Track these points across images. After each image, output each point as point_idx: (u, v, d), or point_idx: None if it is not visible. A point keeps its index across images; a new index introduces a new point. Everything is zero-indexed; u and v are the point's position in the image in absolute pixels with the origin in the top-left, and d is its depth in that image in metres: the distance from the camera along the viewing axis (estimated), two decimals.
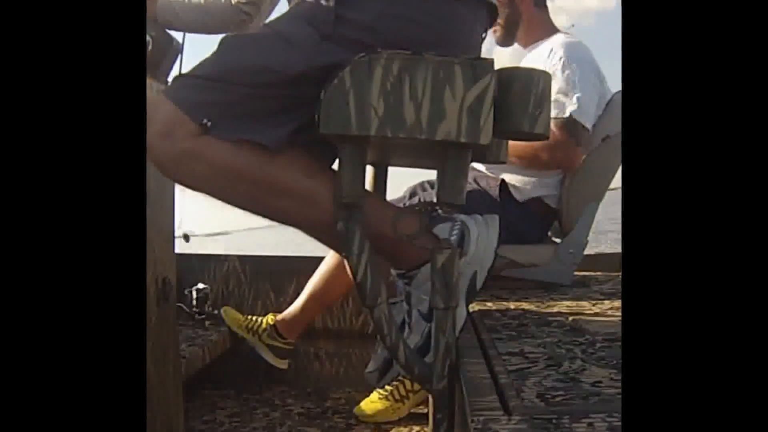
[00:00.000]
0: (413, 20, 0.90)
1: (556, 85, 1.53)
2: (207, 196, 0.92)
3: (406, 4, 0.89)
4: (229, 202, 0.93)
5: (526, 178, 1.59)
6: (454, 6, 0.93)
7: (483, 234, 0.96)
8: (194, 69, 0.90)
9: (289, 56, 0.87)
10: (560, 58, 1.56)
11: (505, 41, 1.74)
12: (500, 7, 1.69)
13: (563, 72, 1.54)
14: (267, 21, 0.95)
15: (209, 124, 0.86)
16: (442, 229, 0.95)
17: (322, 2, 0.88)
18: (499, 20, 1.70)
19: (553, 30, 1.70)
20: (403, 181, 1.78)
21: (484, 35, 1.03)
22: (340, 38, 0.87)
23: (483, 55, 1.04)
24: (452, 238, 0.94)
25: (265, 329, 1.75)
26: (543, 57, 1.60)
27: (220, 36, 0.96)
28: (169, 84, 1.24)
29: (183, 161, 0.87)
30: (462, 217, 0.96)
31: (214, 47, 0.91)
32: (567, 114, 1.53)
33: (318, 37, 0.88)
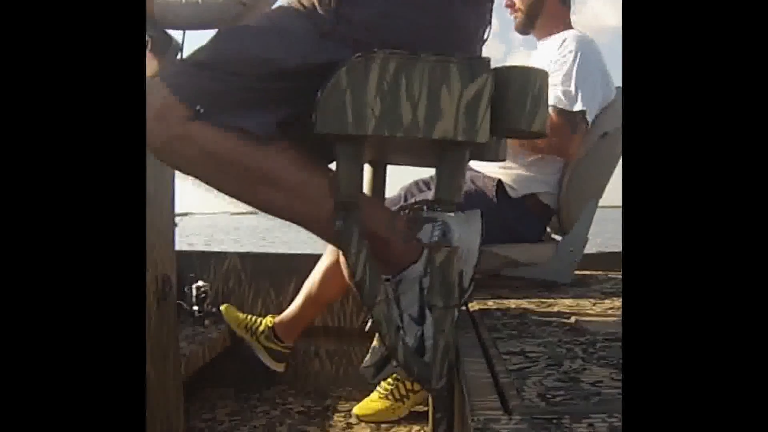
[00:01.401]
0: (415, 21, 0.89)
1: (561, 74, 1.55)
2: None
3: (408, 4, 0.89)
4: (218, 188, 0.93)
5: (522, 174, 1.59)
6: (456, 7, 0.92)
7: (464, 232, 0.95)
8: (192, 55, 0.90)
9: (287, 51, 0.87)
10: (570, 51, 1.58)
11: (524, 29, 1.75)
12: None
13: (571, 62, 1.56)
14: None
15: (201, 110, 0.87)
16: (424, 232, 0.94)
17: (325, 0, 0.88)
18: (521, 7, 1.71)
19: (569, 27, 1.71)
20: (404, 179, 1.78)
21: (485, 36, 1.02)
22: (340, 36, 0.87)
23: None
24: (433, 239, 0.93)
25: (263, 331, 1.73)
26: (555, 47, 1.62)
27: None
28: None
29: (174, 144, 0.88)
30: (443, 216, 0.95)
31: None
32: (569, 104, 1.54)
33: (317, 34, 0.87)
